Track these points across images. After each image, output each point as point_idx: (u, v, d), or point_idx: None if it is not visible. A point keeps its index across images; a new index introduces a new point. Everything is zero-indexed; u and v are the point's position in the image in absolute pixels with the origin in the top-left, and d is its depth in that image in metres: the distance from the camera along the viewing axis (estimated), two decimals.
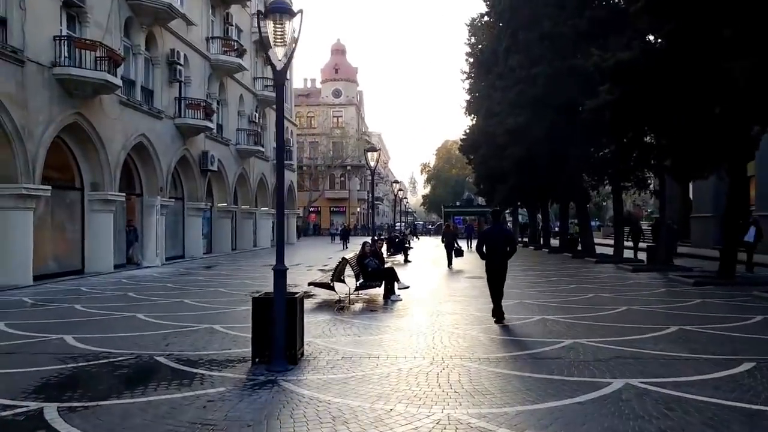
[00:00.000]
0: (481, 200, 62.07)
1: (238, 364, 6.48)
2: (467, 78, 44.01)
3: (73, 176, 16.89)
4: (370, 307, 10.79)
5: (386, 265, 12.58)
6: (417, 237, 55.99)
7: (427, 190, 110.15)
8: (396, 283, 11.73)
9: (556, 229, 42.88)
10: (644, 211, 63.71)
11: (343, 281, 12.12)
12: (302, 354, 6.76)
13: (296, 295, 6.62)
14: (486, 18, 35.08)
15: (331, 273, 11.20)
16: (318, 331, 8.37)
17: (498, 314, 9.09)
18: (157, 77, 21.03)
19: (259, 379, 5.83)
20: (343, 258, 11.07)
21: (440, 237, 26.57)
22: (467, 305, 10.98)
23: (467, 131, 44.91)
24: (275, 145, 36.12)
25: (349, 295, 11.38)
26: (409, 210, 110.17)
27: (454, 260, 20.32)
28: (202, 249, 25.53)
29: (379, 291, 11.97)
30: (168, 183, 21.76)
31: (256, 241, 34.61)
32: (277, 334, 6.23)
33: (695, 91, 11.66)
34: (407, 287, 11.73)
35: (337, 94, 75.18)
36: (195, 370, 6.19)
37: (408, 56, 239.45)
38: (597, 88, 14.07)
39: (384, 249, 23.83)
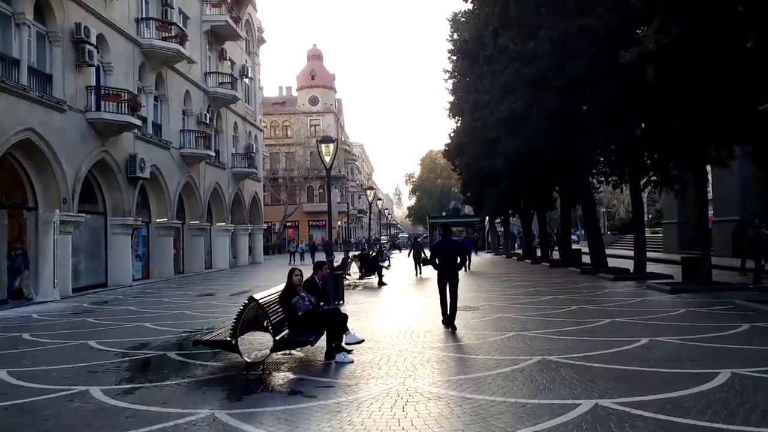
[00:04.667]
0: (468, 209, 58.03)
1: None
2: (450, 77, 40.33)
3: None
4: (295, 383, 6.37)
5: (327, 304, 8.16)
6: (399, 251, 51.63)
7: (412, 202, 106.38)
8: (344, 335, 7.36)
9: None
10: None
11: (268, 330, 7.73)
12: None
13: None
14: (470, 5, 31.36)
15: (232, 323, 6.80)
16: None
17: (448, 321, 9.52)
18: (57, 58, 16.53)
19: None
20: (251, 298, 6.69)
21: (409, 250, 29.12)
22: (454, 372, 6.64)
23: (452, 134, 41.15)
24: (234, 151, 31.93)
25: (266, 358, 6.94)
26: (394, 222, 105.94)
27: (423, 269, 21.46)
28: (131, 275, 20.89)
29: (317, 345, 7.59)
30: (76, 193, 17.19)
31: (211, 261, 30.00)
32: None
33: None
34: (360, 341, 7.39)
35: (314, 101, 71.32)
36: None
37: (389, 65, 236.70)
38: (633, 36, 9.93)
39: (355, 268, 19.48)
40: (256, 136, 37.54)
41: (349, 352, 7.45)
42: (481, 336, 8.75)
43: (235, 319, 6.72)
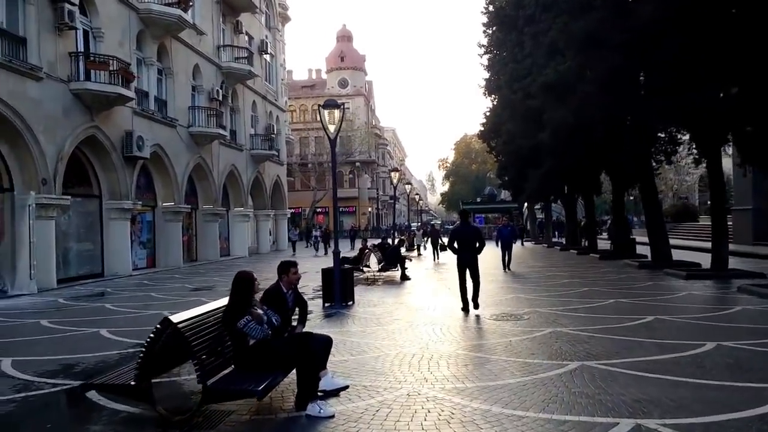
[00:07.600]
0: (505, 195, 54.75)
1: None
2: (486, 52, 37.32)
3: None
4: None
5: (301, 328, 5.60)
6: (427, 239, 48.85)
7: (446, 188, 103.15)
8: (320, 375, 4.84)
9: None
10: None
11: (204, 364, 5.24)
12: None
13: None
14: None
15: (138, 360, 4.36)
16: None
17: (468, 307, 9.75)
18: (31, 18, 14.43)
19: None
20: (166, 320, 4.22)
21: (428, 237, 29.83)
22: None
23: (487, 113, 38.22)
24: (253, 132, 29.71)
25: (194, 412, 4.46)
26: (426, 209, 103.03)
27: (440, 255, 23.15)
28: (131, 263, 18.94)
29: (288, 379, 5.10)
30: (59, 174, 15.18)
31: (229, 248, 28.05)
32: None
33: None
34: (342, 389, 4.89)
35: (343, 84, 68.88)
36: None
37: (422, 47, 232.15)
38: None
39: (374, 260, 16.96)
40: (277, 116, 35.30)
41: (327, 403, 4.94)
42: (529, 368, 6.09)
43: (141, 354, 4.28)
